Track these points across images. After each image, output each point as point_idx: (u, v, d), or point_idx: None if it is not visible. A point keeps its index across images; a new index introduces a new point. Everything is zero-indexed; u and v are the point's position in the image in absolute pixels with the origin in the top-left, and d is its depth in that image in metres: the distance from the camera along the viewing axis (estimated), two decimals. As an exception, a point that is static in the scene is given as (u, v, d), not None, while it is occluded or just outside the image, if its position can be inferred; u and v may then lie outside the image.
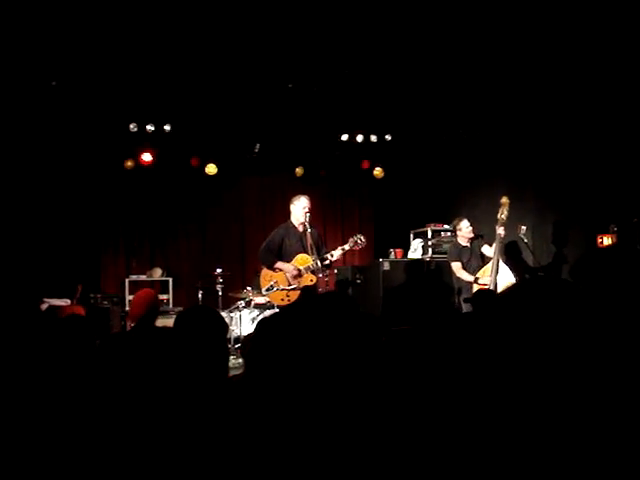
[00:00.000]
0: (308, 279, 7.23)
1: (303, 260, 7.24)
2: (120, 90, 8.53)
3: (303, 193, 7.57)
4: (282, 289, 7.22)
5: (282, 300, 7.30)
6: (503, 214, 7.85)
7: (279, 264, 7.26)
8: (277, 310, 7.81)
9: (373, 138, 10.58)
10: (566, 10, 6.82)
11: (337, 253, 7.36)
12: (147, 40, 7.45)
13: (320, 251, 7.23)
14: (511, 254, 8.84)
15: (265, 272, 7.42)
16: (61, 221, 9.94)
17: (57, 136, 9.22)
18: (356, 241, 7.44)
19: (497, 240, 7.83)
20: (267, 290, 7.33)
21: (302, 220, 7.26)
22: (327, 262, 7.21)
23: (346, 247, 7.46)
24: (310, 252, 7.17)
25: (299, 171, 10.83)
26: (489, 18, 7.16)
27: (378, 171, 11.04)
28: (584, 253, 8.13)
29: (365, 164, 10.99)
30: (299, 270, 7.18)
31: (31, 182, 9.57)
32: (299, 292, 7.20)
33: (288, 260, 7.30)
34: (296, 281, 7.19)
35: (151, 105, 9.19)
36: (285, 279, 7.22)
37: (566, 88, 8.22)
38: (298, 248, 7.30)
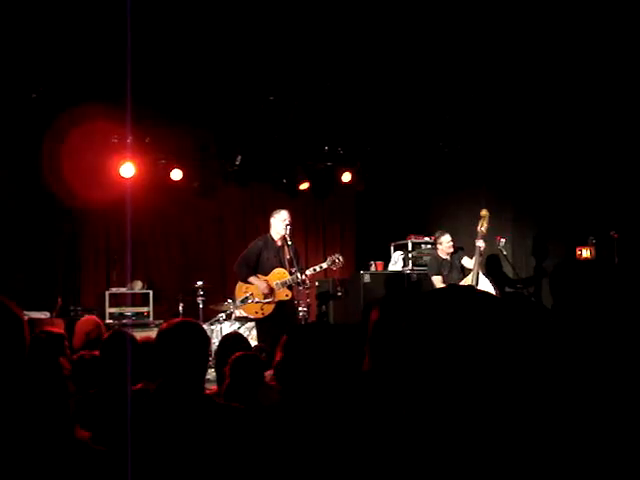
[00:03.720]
0: (283, 294, 7.24)
1: (280, 275, 7.25)
2: (101, 102, 8.48)
3: (284, 205, 7.61)
4: (257, 301, 7.22)
5: (256, 313, 7.31)
6: (483, 227, 7.90)
7: (252, 278, 7.27)
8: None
9: (354, 150, 10.61)
10: (544, 27, 6.89)
11: (310, 272, 7.40)
12: (143, 51, 7.41)
13: (298, 265, 7.25)
14: (491, 267, 8.88)
15: (240, 283, 7.43)
16: (40, 233, 9.87)
17: (33, 148, 9.15)
18: (334, 260, 7.49)
19: (477, 252, 7.87)
20: (242, 301, 7.34)
21: (282, 233, 7.27)
22: (300, 280, 7.22)
23: (324, 265, 7.51)
24: (288, 266, 7.19)
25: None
26: (468, 31, 7.22)
27: (348, 177, 10.93)
28: (561, 262, 8.19)
29: (346, 176, 11.00)
30: (271, 289, 7.19)
31: (8, 194, 9.49)
32: (273, 306, 7.21)
33: (264, 273, 7.30)
34: (270, 296, 7.20)
35: (132, 117, 9.15)
36: (260, 291, 7.23)
37: (545, 103, 8.30)
38: (275, 262, 7.32)
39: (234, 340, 4.80)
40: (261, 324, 7.36)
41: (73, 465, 1.57)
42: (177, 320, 2.82)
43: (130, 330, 8.98)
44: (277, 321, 7.07)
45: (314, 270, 7.49)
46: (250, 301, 7.21)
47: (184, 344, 2.66)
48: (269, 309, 7.20)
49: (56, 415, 1.63)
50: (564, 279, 2.44)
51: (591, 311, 2.35)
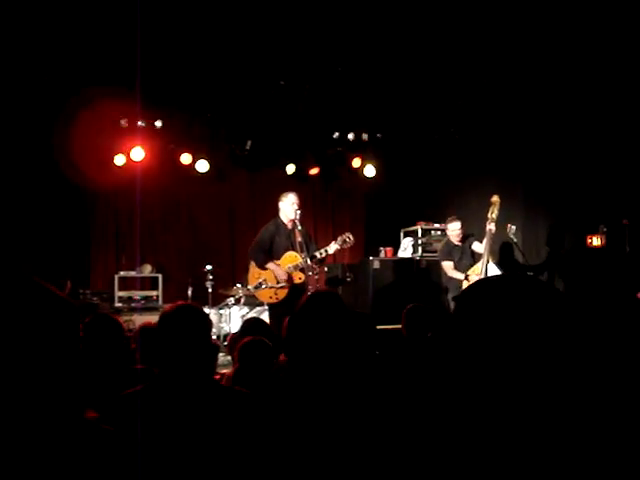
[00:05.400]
0: (297, 277, 7.23)
1: (291, 258, 7.23)
2: (112, 86, 8.48)
3: (293, 190, 7.55)
4: (270, 287, 7.21)
5: (270, 298, 7.30)
6: (493, 213, 7.84)
7: (270, 265, 7.24)
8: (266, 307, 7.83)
9: (364, 136, 10.57)
10: (557, 12, 6.83)
11: (332, 249, 7.34)
12: (153, 35, 7.39)
13: (309, 249, 7.21)
14: (502, 254, 8.86)
15: (253, 269, 7.40)
16: (50, 216, 9.89)
17: (44, 131, 9.15)
18: (345, 239, 7.42)
19: (487, 236, 7.81)
20: (255, 288, 7.32)
21: (291, 217, 7.24)
22: (322, 257, 7.22)
23: (335, 246, 7.44)
24: (299, 250, 7.16)
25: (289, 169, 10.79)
26: (480, 18, 7.17)
27: (358, 163, 10.92)
28: (574, 252, 8.17)
29: (356, 162, 10.97)
30: (289, 275, 7.18)
31: (20, 177, 9.51)
32: (287, 290, 7.20)
33: (277, 257, 7.28)
34: (286, 281, 7.19)
35: (142, 101, 9.15)
36: (273, 277, 7.22)
37: (556, 90, 8.24)
38: (287, 246, 7.29)
39: (255, 325, 4.79)
40: (274, 309, 7.34)
41: (83, 445, 1.57)
42: (178, 303, 2.81)
43: (139, 313, 9.10)
44: (290, 305, 7.04)
45: (325, 252, 7.36)
46: (264, 287, 7.21)
47: (184, 327, 2.65)
48: (283, 294, 7.18)
49: (66, 395, 1.62)
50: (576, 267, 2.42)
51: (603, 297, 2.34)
